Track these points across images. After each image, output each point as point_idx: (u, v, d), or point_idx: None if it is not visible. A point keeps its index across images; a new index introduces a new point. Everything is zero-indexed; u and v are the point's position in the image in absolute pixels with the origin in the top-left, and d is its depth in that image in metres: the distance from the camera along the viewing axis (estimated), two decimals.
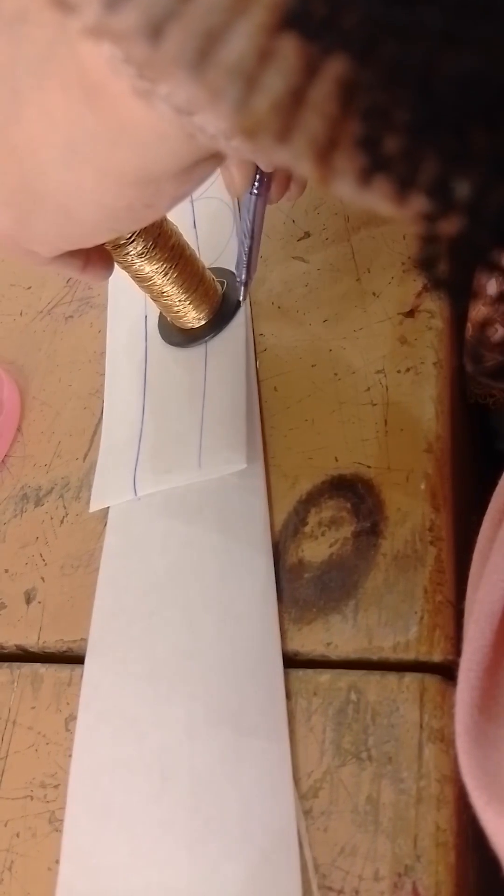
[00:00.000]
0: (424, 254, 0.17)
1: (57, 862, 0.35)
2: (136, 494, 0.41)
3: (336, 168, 0.15)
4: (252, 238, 0.39)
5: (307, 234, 0.46)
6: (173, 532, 0.40)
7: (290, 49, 0.14)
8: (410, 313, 0.40)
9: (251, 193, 0.37)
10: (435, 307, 0.40)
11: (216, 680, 0.35)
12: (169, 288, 0.42)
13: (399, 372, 0.39)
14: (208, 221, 0.49)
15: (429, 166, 0.14)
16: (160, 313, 0.46)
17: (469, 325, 0.41)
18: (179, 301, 0.43)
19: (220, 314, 0.45)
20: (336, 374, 0.41)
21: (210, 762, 0.33)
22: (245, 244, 0.39)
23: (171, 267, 0.40)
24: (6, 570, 0.44)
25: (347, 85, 0.14)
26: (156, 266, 0.40)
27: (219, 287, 0.45)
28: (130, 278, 0.41)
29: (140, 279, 0.41)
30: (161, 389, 0.45)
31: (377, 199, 0.15)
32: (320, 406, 0.40)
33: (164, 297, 0.42)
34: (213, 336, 0.44)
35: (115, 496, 0.42)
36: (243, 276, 0.40)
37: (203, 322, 0.44)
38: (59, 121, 0.22)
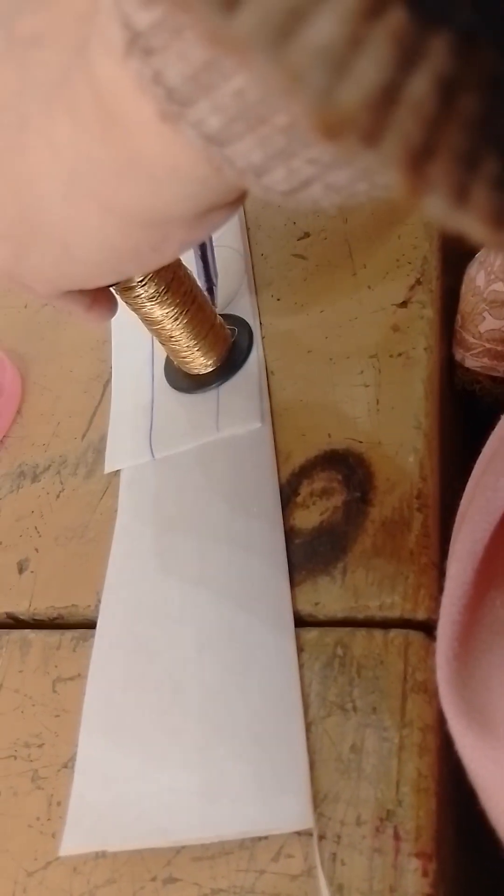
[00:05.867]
0: None
1: (38, 819, 0.35)
2: (153, 456, 0.43)
3: (430, 179, 0.13)
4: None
5: (307, 235, 0.48)
6: (187, 484, 0.41)
7: (390, 26, 0.11)
8: (403, 304, 0.42)
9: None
10: (427, 299, 0.42)
11: (226, 601, 0.36)
12: (178, 333, 0.41)
13: (391, 356, 0.41)
14: (220, 270, 0.49)
15: None
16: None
17: (458, 316, 0.43)
18: (188, 347, 0.42)
19: (230, 361, 0.44)
20: (331, 359, 0.42)
21: (219, 673, 0.34)
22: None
23: (182, 312, 0.40)
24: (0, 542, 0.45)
25: (447, 82, 0.12)
26: (167, 310, 0.39)
27: (229, 334, 0.45)
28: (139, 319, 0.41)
29: (149, 322, 0.40)
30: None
31: (471, 221, 0.13)
32: (314, 388, 0.42)
33: (172, 341, 0.42)
34: (222, 383, 0.44)
35: (131, 458, 0.44)
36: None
37: (211, 369, 0.44)
38: (65, 151, 0.21)
